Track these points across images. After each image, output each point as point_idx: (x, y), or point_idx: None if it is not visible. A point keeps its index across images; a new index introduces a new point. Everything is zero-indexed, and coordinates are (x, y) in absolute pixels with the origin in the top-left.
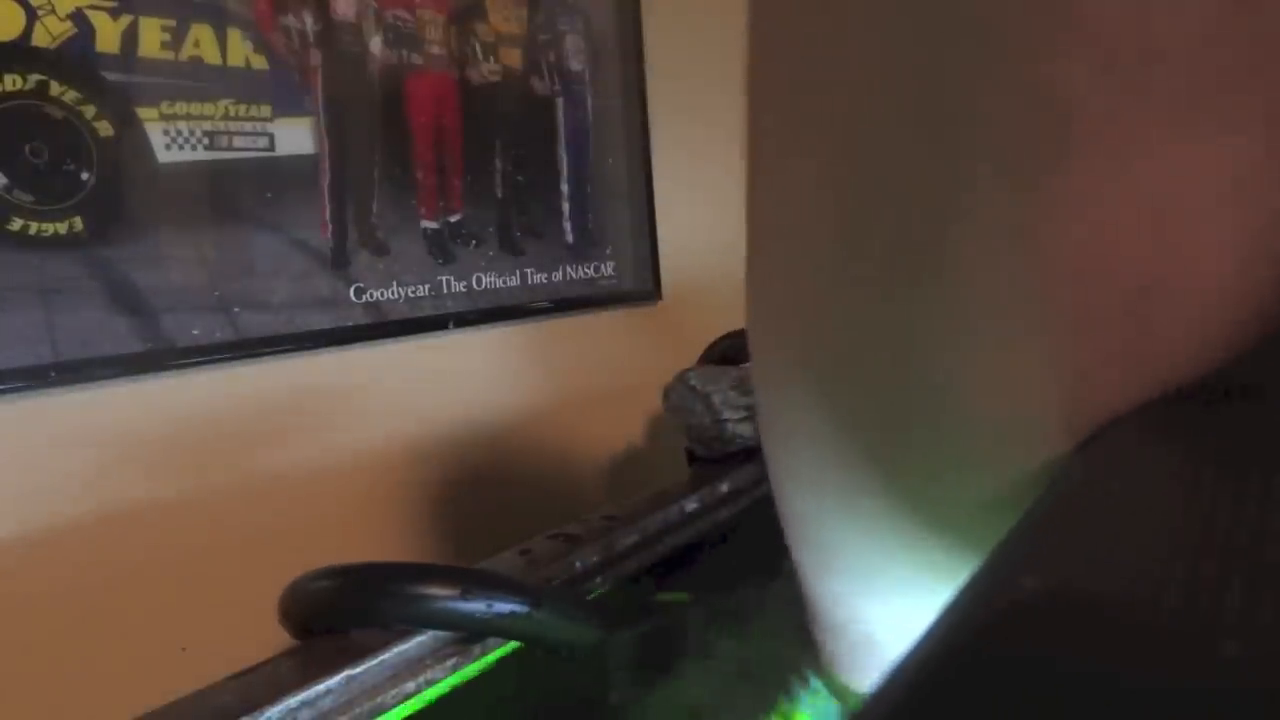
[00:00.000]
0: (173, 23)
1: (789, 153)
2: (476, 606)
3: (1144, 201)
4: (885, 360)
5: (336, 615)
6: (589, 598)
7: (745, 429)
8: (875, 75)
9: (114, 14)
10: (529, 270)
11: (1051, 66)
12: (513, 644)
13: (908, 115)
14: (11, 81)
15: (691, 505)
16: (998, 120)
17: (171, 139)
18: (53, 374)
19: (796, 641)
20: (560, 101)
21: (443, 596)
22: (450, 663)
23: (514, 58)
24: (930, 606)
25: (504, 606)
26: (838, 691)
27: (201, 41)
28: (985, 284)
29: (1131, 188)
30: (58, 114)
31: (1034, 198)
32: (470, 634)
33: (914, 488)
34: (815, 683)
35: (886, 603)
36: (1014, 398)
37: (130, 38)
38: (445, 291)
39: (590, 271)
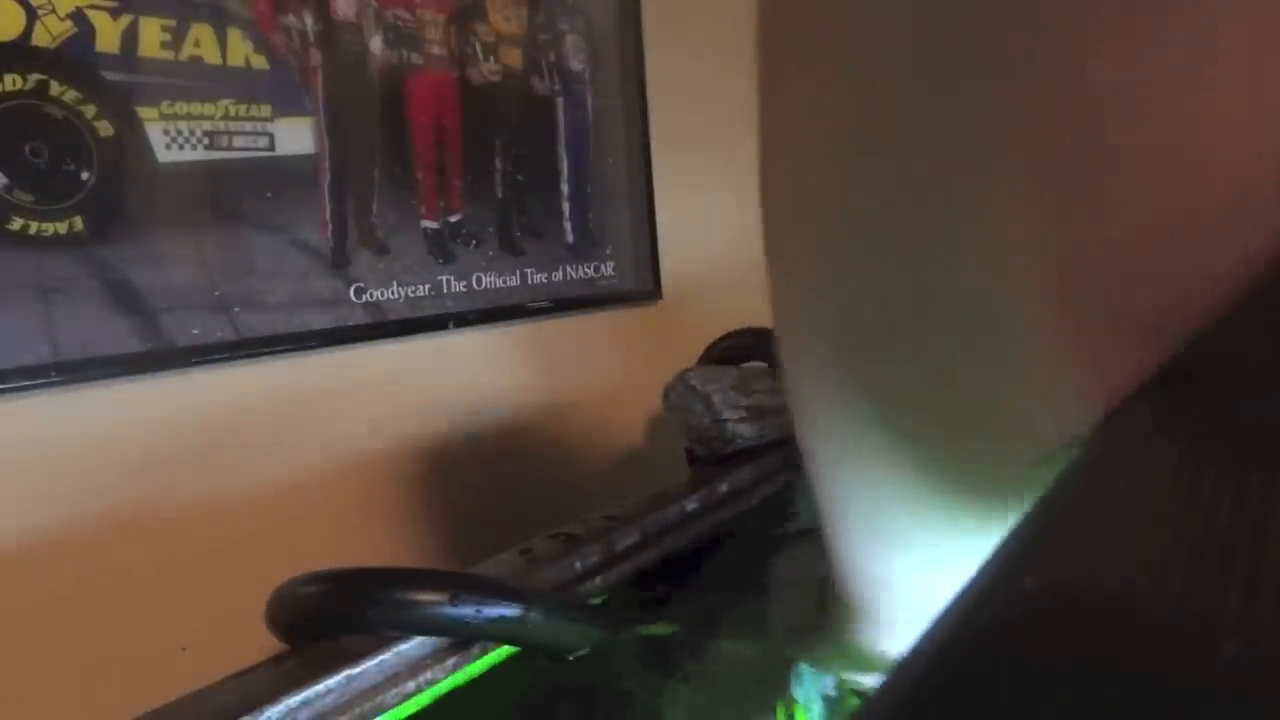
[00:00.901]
0: (173, 22)
1: (810, 108)
2: (466, 612)
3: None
4: (914, 326)
5: (324, 622)
6: (589, 600)
7: (745, 429)
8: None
9: (114, 14)
10: (529, 270)
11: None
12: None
13: (935, 80)
14: (11, 81)
15: (691, 505)
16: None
17: (171, 139)
18: (53, 374)
19: (791, 642)
20: (560, 101)
21: (431, 602)
22: (451, 663)
23: (514, 57)
24: (954, 565)
25: (493, 611)
26: (851, 652)
27: (201, 41)
28: (1011, 248)
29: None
30: (58, 114)
31: (1051, 135)
32: (460, 639)
33: (945, 451)
34: (808, 676)
35: (912, 559)
36: (1035, 365)
37: (130, 37)
38: (445, 291)
39: (590, 271)
